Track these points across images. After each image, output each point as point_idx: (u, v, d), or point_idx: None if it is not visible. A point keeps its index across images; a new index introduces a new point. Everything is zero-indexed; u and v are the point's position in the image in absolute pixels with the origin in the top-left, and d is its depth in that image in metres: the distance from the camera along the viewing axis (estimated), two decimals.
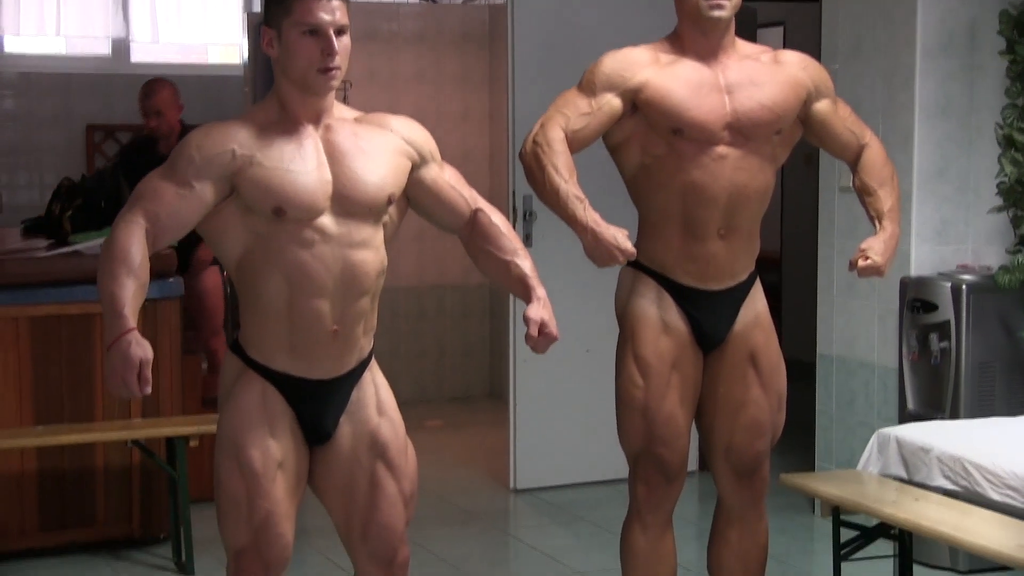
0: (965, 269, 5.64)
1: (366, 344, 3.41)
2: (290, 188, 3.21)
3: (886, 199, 4.01)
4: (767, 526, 4.12)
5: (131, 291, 3.07)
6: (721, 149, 3.82)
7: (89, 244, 5.93)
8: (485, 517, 6.36)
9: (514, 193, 6.66)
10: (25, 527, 5.70)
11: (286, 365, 3.30)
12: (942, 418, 5.38)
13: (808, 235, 6.99)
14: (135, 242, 3.13)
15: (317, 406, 3.34)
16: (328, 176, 3.25)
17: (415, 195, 3.44)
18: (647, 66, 3.85)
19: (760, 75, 3.86)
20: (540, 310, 3.39)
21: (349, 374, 3.37)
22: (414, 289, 8.68)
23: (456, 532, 6.09)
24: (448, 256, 8.83)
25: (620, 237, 3.72)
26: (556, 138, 3.79)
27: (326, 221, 3.25)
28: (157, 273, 5.71)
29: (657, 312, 3.93)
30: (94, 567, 5.60)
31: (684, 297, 3.92)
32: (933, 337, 5.50)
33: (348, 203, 3.26)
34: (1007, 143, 5.61)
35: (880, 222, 3.99)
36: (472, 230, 3.50)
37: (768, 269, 9.97)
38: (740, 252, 3.93)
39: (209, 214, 3.23)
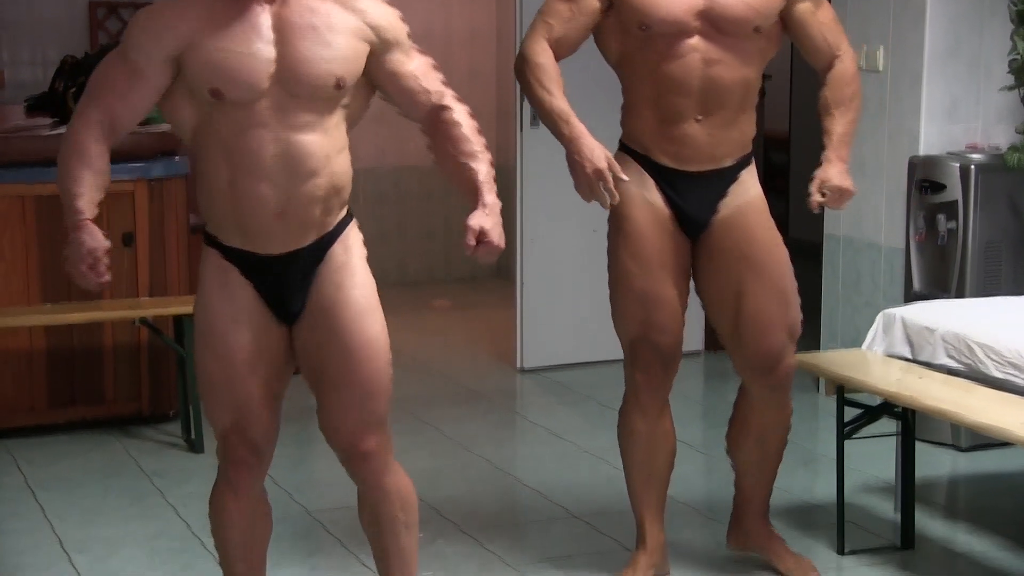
0: (974, 149, 5.61)
1: (330, 221, 3.30)
2: (228, 70, 3.14)
3: (838, 121, 3.96)
4: (790, 415, 4.13)
5: (86, 184, 3.14)
6: (693, 41, 3.82)
7: None
8: (492, 397, 6.40)
9: (521, 101, 6.61)
10: (35, 404, 5.74)
11: (237, 241, 3.27)
12: (947, 298, 5.38)
13: (816, 116, 6.93)
14: (89, 135, 3.18)
15: (275, 281, 3.29)
16: (272, 56, 3.15)
17: (376, 80, 3.31)
18: None
19: None
20: (482, 217, 3.24)
21: (307, 249, 3.29)
22: (421, 168, 8.64)
23: (463, 412, 6.14)
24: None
25: (597, 152, 3.74)
26: (539, 50, 3.87)
27: (266, 105, 3.16)
28: (162, 152, 5.82)
29: (640, 192, 3.94)
30: (104, 443, 5.65)
31: (664, 178, 3.93)
32: (940, 217, 5.49)
33: (291, 85, 3.16)
34: (1020, 20, 5.54)
35: (826, 148, 3.94)
36: (434, 127, 3.37)
37: (777, 148, 9.98)
38: (720, 138, 3.90)
39: (163, 95, 3.21)
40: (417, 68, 3.33)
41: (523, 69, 3.89)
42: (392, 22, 3.28)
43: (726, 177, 3.95)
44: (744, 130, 3.95)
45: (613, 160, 3.78)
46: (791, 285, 4.02)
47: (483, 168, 3.32)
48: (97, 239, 3.09)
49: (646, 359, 3.99)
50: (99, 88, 3.23)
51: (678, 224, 3.96)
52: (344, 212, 3.34)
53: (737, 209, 3.95)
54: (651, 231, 3.94)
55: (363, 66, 3.25)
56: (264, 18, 3.16)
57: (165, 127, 5.97)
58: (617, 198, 3.77)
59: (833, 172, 3.89)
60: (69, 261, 3.10)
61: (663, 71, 3.85)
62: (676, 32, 3.81)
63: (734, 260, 3.95)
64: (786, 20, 3.95)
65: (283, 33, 3.16)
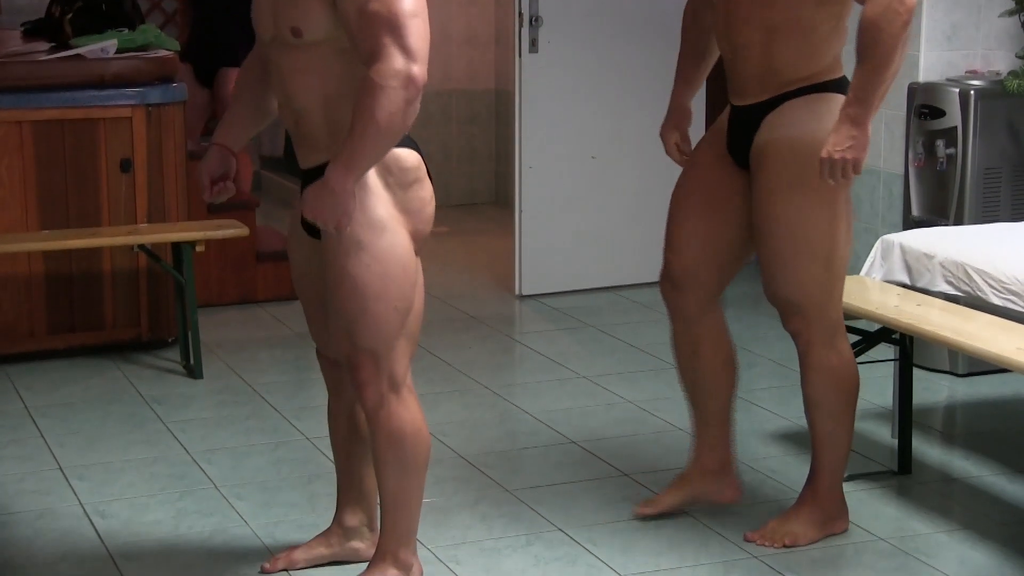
0: (974, 74, 5.59)
1: (334, 147, 3.28)
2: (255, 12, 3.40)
3: (855, 75, 3.56)
4: (841, 364, 3.90)
5: (232, 114, 3.61)
6: None
7: (91, 47, 5.87)
8: (490, 322, 6.41)
9: (520, 26, 6.57)
10: (34, 330, 5.75)
11: None
12: (946, 224, 5.38)
13: None
14: (250, 68, 3.59)
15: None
16: (271, 6, 3.30)
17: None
18: None
19: None
20: (313, 190, 3.19)
21: (315, 170, 3.33)
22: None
23: (461, 337, 6.15)
24: (453, 61, 8.75)
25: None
26: (687, 9, 4.13)
27: (273, 47, 3.34)
28: (160, 78, 5.79)
29: (718, 126, 3.99)
30: (103, 369, 5.67)
31: (730, 111, 3.95)
32: (939, 143, 5.47)
33: (277, 28, 3.29)
34: None
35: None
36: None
37: None
38: (749, 73, 3.80)
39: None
40: (359, 19, 3.12)
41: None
42: None
43: (756, 112, 3.82)
44: (783, 65, 3.73)
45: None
46: (790, 256, 3.78)
47: (348, 144, 3.14)
48: (223, 160, 3.58)
49: (662, 275, 4.03)
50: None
51: (732, 158, 3.93)
52: None
53: (763, 144, 3.80)
54: (703, 160, 3.98)
55: (327, 17, 3.20)
56: None
57: (163, 52, 5.95)
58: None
59: (831, 138, 3.58)
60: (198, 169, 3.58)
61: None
62: None
63: (759, 198, 3.83)
64: None
65: None
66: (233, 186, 3.60)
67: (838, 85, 3.76)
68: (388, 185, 3.33)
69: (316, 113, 3.31)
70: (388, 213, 3.32)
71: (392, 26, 3.08)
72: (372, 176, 3.29)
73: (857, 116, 3.54)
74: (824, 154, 3.57)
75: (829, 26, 3.73)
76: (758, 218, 3.83)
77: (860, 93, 3.54)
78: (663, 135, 4.13)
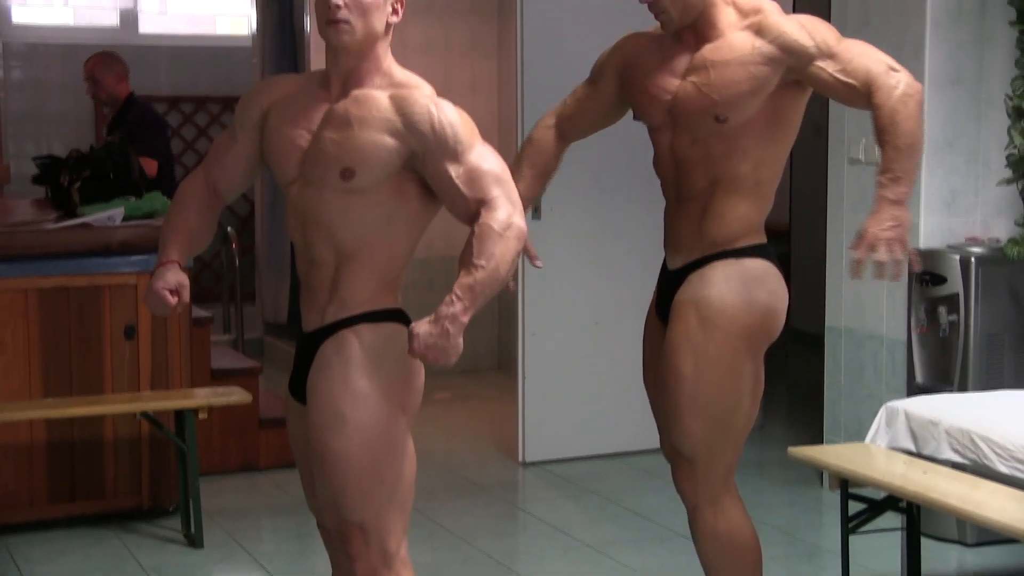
0: (974, 241, 5.63)
1: (332, 312, 3.27)
2: (271, 151, 3.34)
3: (882, 158, 3.53)
4: (731, 531, 3.79)
5: (179, 232, 3.45)
6: (666, 136, 3.80)
7: (98, 216, 5.93)
8: (494, 490, 6.37)
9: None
10: (34, 498, 5.72)
11: None
12: (951, 391, 5.37)
13: (817, 206, 6.97)
14: (191, 193, 3.47)
15: (297, 360, 3.38)
16: (305, 145, 3.26)
17: (426, 179, 3.26)
18: (629, 55, 3.87)
19: (725, 54, 3.68)
20: (423, 325, 3.07)
21: (309, 335, 3.32)
22: (423, 260, 8.65)
23: (465, 504, 6.10)
24: (456, 227, 8.78)
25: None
26: (541, 125, 4.00)
27: (295, 190, 3.30)
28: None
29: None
30: (103, 539, 5.62)
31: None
32: (942, 309, 5.49)
33: (307, 170, 3.26)
34: (1017, 114, 5.59)
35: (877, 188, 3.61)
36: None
37: (777, 240, 9.97)
38: (689, 231, 3.79)
39: None
40: (464, 175, 3.19)
41: (521, 147, 3.99)
42: (439, 128, 3.18)
43: (683, 273, 3.81)
44: (719, 226, 3.76)
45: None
46: (685, 408, 3.73)
47: (468, 279, 3.09)
48: (177, 274, 3.39)
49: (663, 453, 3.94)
50: (210, 150, 3.50)
51: (660, 320, 3.92)
52: (357, 311, 3.28)
53: (673, 305, 3.80)
54: (648, 328, 3.99)
55: (391, 162, 3.21)
56: (321, 108, 3.27)
57: None
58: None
59: (871, 220, 3.49)
60: (148, 289, 3.38)
61: (654, 158, 3.90)
62: (653, 126, 3.83)
63: (668, 353, 3.78)
64: (807, 83, 3.71)
65: (324, 123, 3.25)
66: (187, 297, 3.44)
67: (756, 251, 3.78)
68: (373, 356, 3.26)
69: (328, 265, 3.28)
70: (372, 384, 3.25)
71: (500, 180, 3.19)
72: (355, 347, 3.25)
73: (897, 195, 3.49)
74: (869, 237, 3.48)
75: (768, 187, 3.77)
76: (661, 370, 3.81)
77: (894, 174, 3.50)
78: None
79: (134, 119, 7.94)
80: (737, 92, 3.65)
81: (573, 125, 3.97)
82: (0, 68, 9.52)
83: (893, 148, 3.50)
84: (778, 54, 3.65)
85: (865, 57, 3.62)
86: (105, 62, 8.04)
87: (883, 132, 3.52)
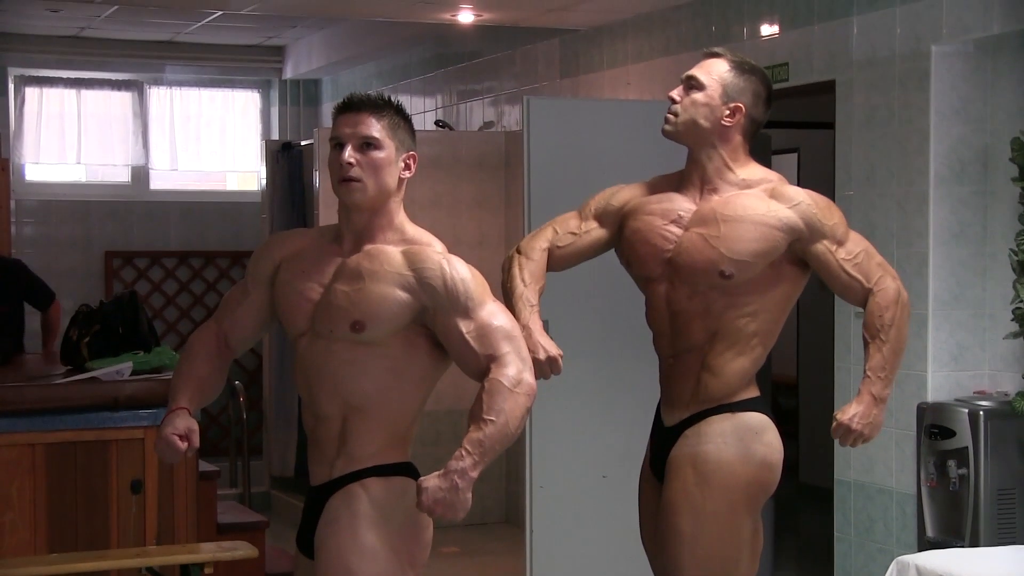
0: (982, 395, 5.63)
1: (341, 466, 3.29)
2: (282, 304, 3.37)
3: (872, 355, 3.72)
4: None
5: (189, 381, 3.44)
6: (661, 287, 3.82)
7: (106, 370, 5.95)
8: None
9: None
10: None
11: None
12: (962, 545, 5.33)
13: (825, 359, 6.98)
14: (201, 343, 3.48)
15: (305, 514, 3.37)
16: (317, 298, 3.29)
17: (435, 333, 3.29)
18: (632, 201, 3.90)
19: (738, 210, 3.72)
20: (432, 479, 3.11)
21: (315, 489, 3.33)
22: (430, 413, 8.63)
23: None
24: (463, 381, 8.79)
25: (546, 345, 3.79)
26: (536, 247, 3.95)
27: (305, 342, 3.33)
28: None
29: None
30: None
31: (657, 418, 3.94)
32: (951, 463, 5.47)
33: (318, 324, 3.29)
34: (1021, 268, 5.62)
35: (863, 382, 3.73)
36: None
37: (785, 393, 9.99)
38: (684, 387, 3.83)
39: None
40: (475, 329, 3.24)
41: (512, 258, 3.96)
42: (450, 284, 3.23)
43: (678, 429, 3.83)
44: (718, 382, 3.78)
45: (558, 360, 3.83)
46: (685, 567, 3.71)
47: (477, 435, 3.14)
48: (187, 420, 3.36)
49: None
50: (222, 302, 3.54)
51: (656, 477, 3.91)
52: (365, 464, 3.28)
53: (669, 461, 3.81)
54: (643, 485, 3.98)
55: (401, 315, 3.24)
56: (334, 263, 3.31)
57: None
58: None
59: (850, 410, 3.68)
60: (158, 435, 3.36)
61: (647, 306, 3.90)
62: (648, 277, 3.85)
63: (665, 514, 3.78)
64: (807, 260, 3.78)
65: (336, 277, 3.29)
66: (197, 442, 3.44)
67: (752, 404, 3.79)
68: (382, 510, 3.27)
69: (334, 420, 3.29)
70: (381, 539, 3.25)
71: (511, 336, 3.25)
72: (363, 501, 3.25)
73: (881, 394, 3.70)
74: (846, 420, 3.67)
75: (765, 338, 3.79)
76: (659, 528, 3.79)
77: (884, 374, 3.70)
78: (534, 339, 3.88)
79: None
80: (747, 249, 3.68)
81: (564, 258, 3.99)
82: (12, 225, 9.63)
83: (891, 351, 3.72)
84: (794, 220, 3.70)
85: (870, 257, 3.77)
86: None
87: (881, 332, 3.71)
